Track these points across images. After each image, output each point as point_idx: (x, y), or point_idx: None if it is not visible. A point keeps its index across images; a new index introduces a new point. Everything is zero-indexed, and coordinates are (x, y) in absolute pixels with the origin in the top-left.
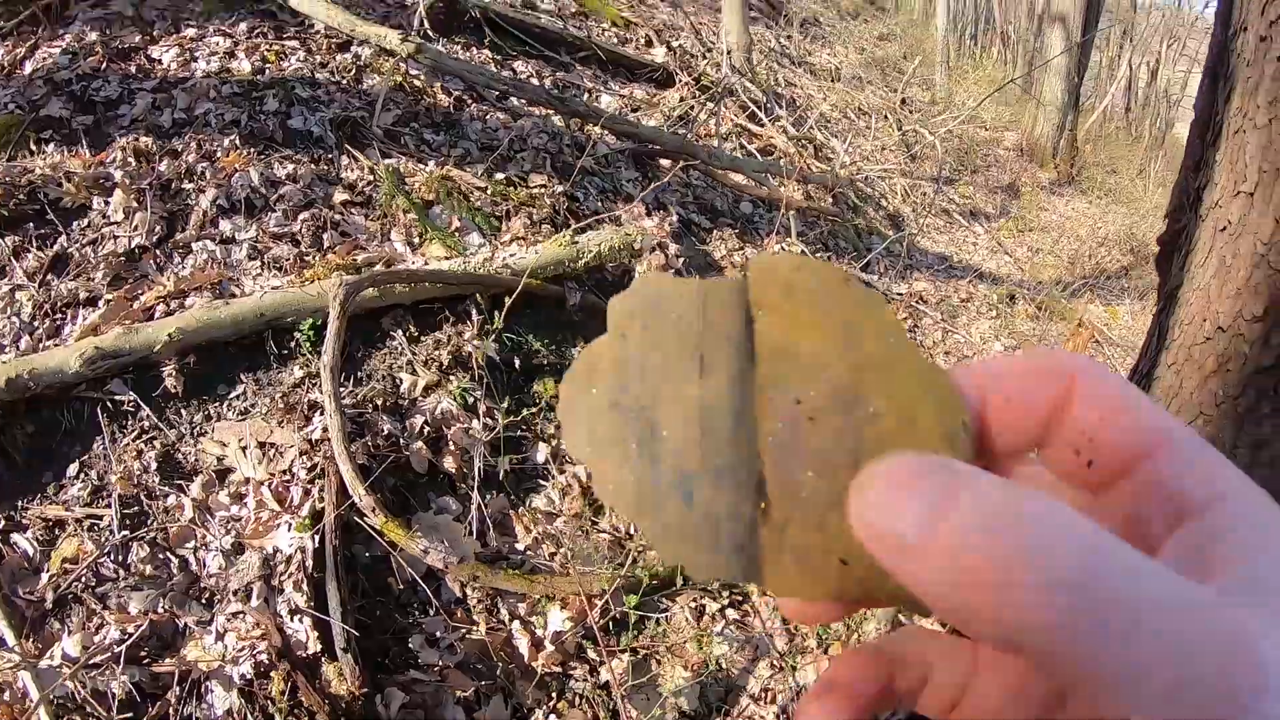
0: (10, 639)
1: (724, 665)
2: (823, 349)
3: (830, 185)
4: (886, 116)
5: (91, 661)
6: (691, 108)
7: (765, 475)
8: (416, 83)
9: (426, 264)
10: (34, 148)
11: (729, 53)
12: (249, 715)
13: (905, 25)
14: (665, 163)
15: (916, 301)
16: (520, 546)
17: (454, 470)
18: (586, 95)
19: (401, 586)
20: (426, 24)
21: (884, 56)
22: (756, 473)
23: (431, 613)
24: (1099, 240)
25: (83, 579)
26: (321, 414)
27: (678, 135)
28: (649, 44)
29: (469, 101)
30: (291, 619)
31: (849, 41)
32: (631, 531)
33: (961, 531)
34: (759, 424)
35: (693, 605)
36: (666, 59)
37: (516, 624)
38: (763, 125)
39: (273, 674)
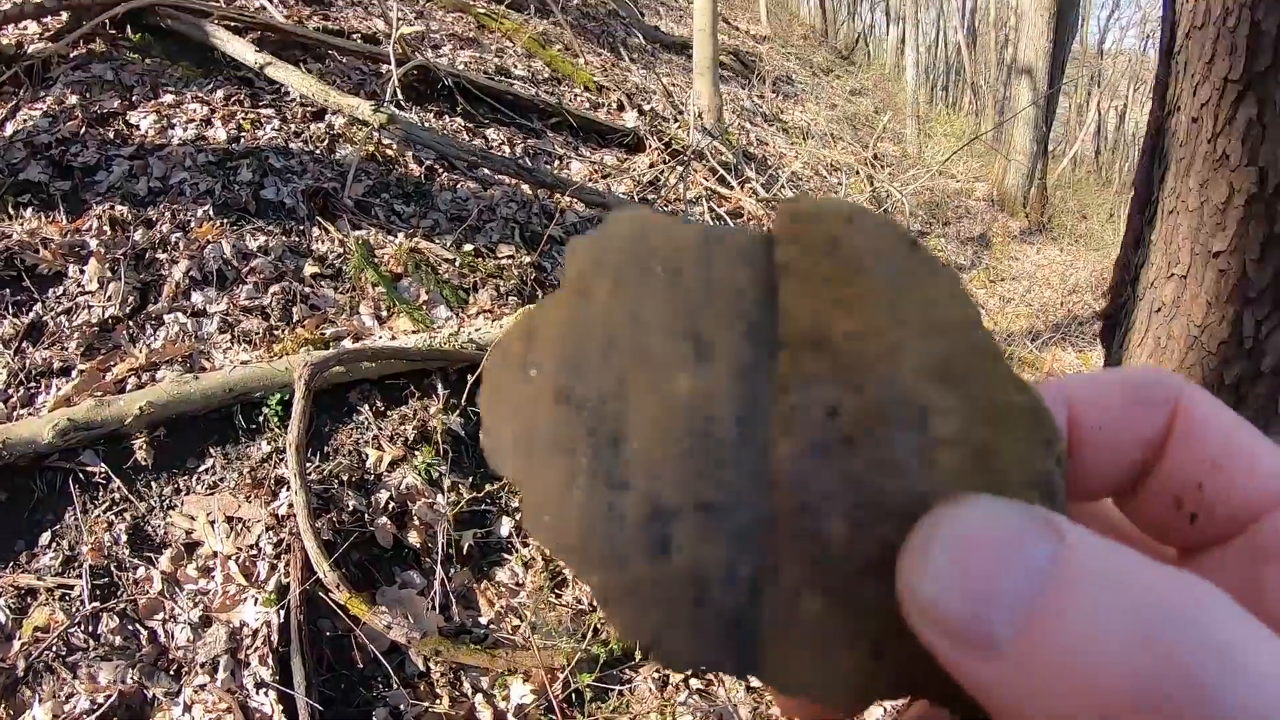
0: None
1: None
2: (874, 339)
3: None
4: (858, 172)
5: None
6: (661, 173)
7: (777, 519)
8: (389, 151)
9: (394, 338)
10: (12, 211)
11: (699, 115)
12: None
13: (877, 80)
14: None
15: None
16: (484, 620)
17: (418, 545)
18: (557, 162)
19: (365, 661)
20: (400, 94)
21: (856, 112)
22: (766, 514)
23: (395, 687)
24: (1070, 288)
25: (54, 648)
26: (288, 489)
27: (646, 202)
28: (620, 108)
29: (440, 170)
30: (257, 692)
31: (821, 98)
32: (595, 605)
33: (1086, 630)
34: (774, 441)
35: (656, 676)
36: (638, 123)
37: (479, 697)
38: (732, 188)
39: None
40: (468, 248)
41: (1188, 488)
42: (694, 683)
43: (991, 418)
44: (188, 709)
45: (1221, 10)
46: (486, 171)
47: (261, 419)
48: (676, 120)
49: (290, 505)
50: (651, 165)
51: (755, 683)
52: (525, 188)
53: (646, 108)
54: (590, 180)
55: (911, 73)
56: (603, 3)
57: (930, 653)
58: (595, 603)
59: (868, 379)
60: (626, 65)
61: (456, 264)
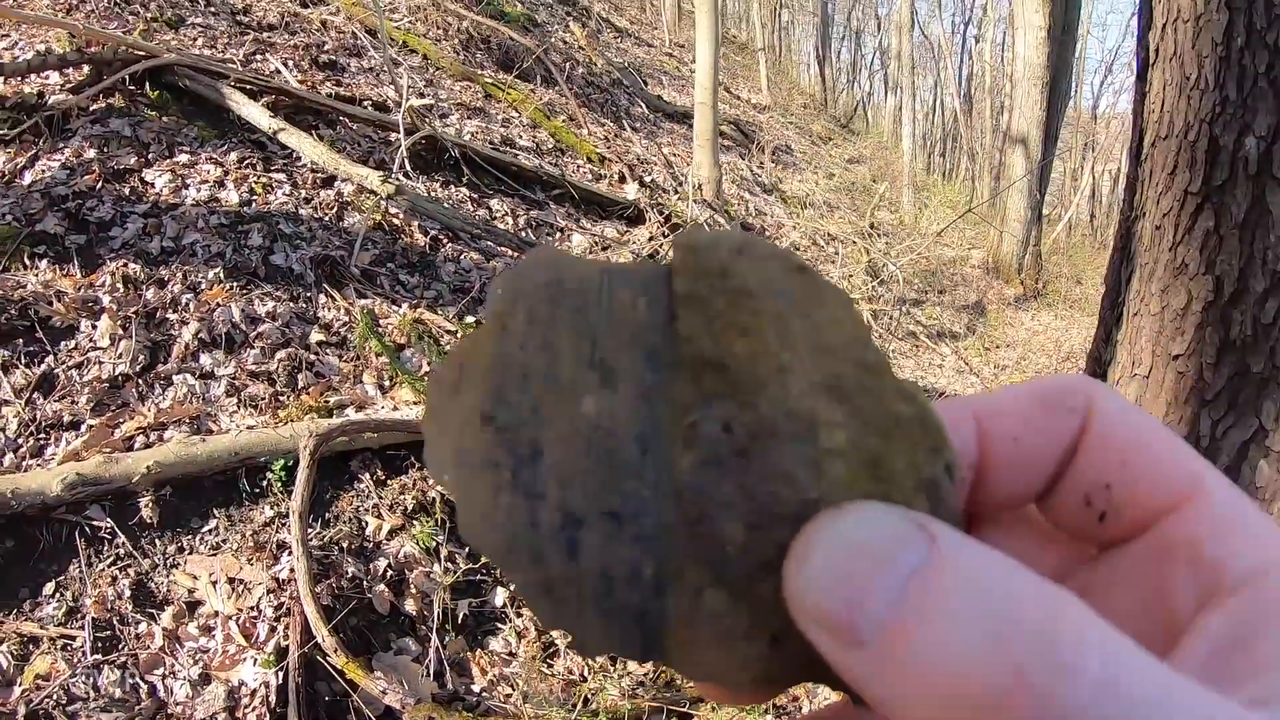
0: None
1: None
2: (766, 360)
3: None
4: (855, 242)
5: None
6: (660, 246)
7: (679, 525)
8: (395, 220)
9: (396, 408)
10: (27, 262)
11: (699, 187)
12: None
13: (874, 148)
14: None
15: None
16: (476, 688)
17: (415, 612)
18: (559, 234)
19: None
20: (407, 164)
21: (853, 180)
22: (667, 521)
23: None
24: (1064, 355)
25: (54, 696)
26: (289, 554)
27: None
28: (622, 180)
29: (444, 241)
30: None
31: (819, 167)
32: (586, 675)
33: (943, 635)
34: (675, 456)
35: None
36: (638, 195)
37: None
38: None
39: None
40: (469, 320)
41: (1096, 487)
42: None
43: (880, 429)
44: None
45: (1183, 124)
46: (489, 242)
47: (265, 483)
48: (677, 192)
49: (291, 570)
50: (650, 238)
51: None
52: None
53: (648, 179)
54: (590, 253)
55: (908, 142)
56: (608, 71)
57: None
58: (520, 598)
59: (760, 396)
60: (629, 135)
61: (458, 335)
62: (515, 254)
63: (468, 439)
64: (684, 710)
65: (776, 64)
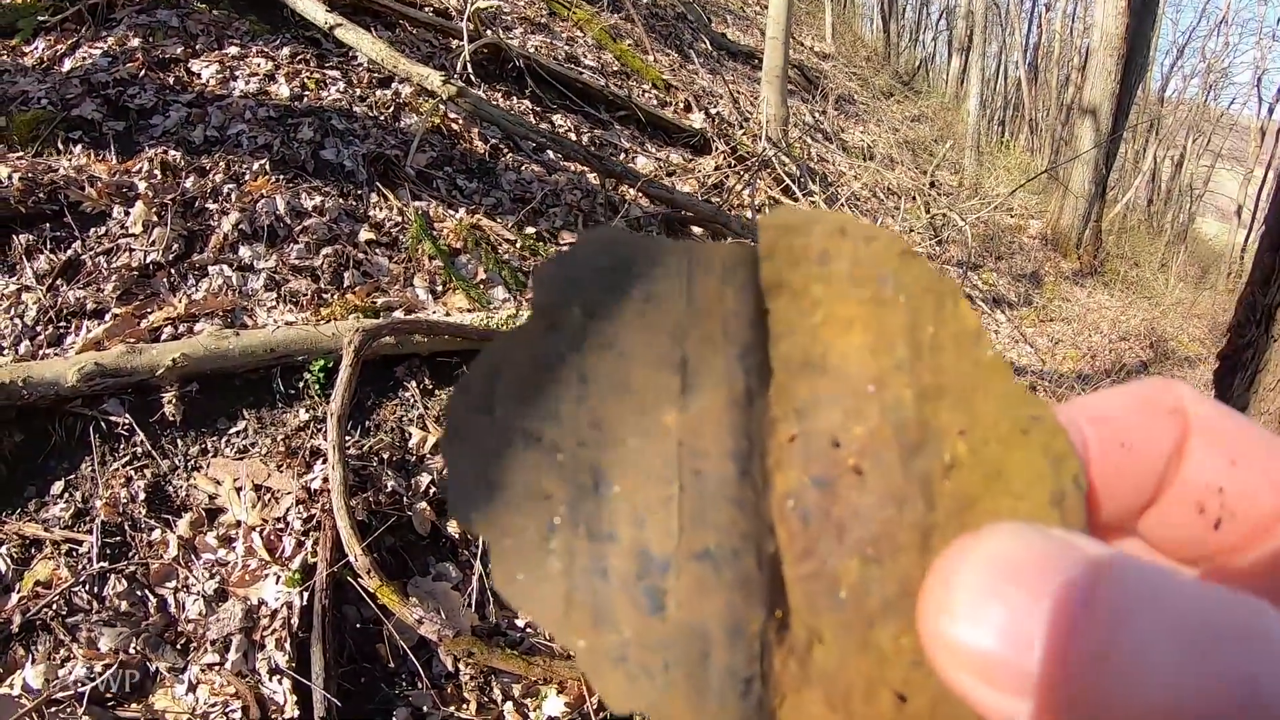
0: None
1: None
2: (874, 356)
3: None
4: (915, 198)
5: (53, 697)
6: (726, 176)
7: (782, 562)
8: (454, 125)
9: (448, 315)
10: (61, 147)
11: (766, 124)
12: None
13: (936, 108)
14: (697, 231)
15: None
16: (520, 623)
17: (457, 535)
18: (623, 155)
19: (391, 655)
20: (470, 69)
21: (915, 138)
22: (769, 558)
23: (420, 686)
24: (1120, 335)
25: (54, 606)
26: (324, 462)
27: (711, 204)
28: (688, 109)
29: (505, 150)
30: (270, 679)
31: (882, 120)
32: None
33: (1134, 659)
34: (772, 477)
35: None
36: (704, 125)
37: (509, 705)
38: (796, 200)
39: None
40: (529, 230)
41: (1209, 492)
42: None
43: (1002, 436)
44: (192, 688)
45: None
46: (552, 156)
47: (302, 385)
48: (742, 127)
49: (325, 479)
50: (717, 168)
51: None
52: (591, 177)
53: (713, 111)
54: (655, 176)
55: (974, 102)
56: (672, 6)
57: (965, 699)
58: (581, 669)
59: (869, 402)
60: (694, 68)
61: (517, 245)
62: (579, 168)
63: (506, 465)
64: None
65: (841, 13)
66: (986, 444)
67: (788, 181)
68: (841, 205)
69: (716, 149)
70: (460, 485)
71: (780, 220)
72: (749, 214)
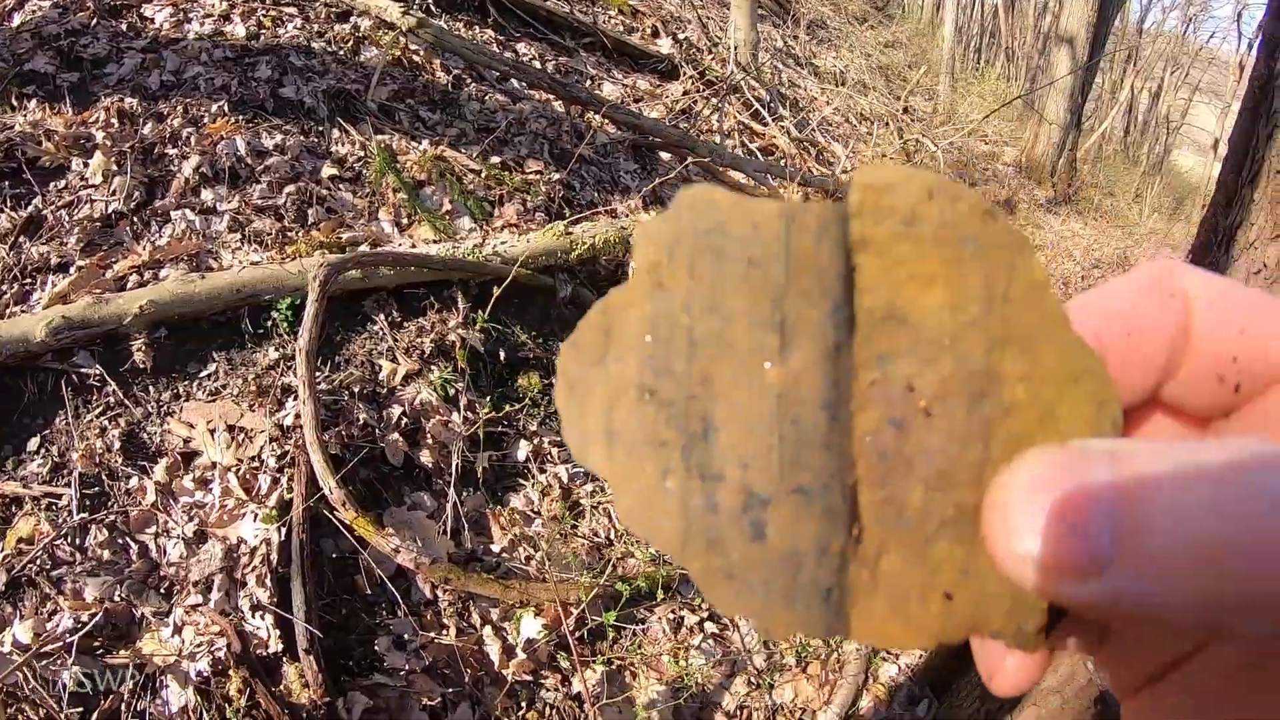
0: None
1: (700, 680)
2: (951, 313)
3: (831, 190)
4: (888, 124)
5: (43, 650)
6: (695, 102)
7: (859, 490)
8: (415, 57)
9: (414, 247)
10: (15, 103)
11: (735, 49)
12: (205, 714)
13: (911, 34)
14: (665, 156)
15: None
16: (495, 548)
17: (431, 464)
18: (589, 82)
19: (370, 586)
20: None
21: (889, 64)
22: (850, 488)
23: (400, 614)
24: (1093, 262)
25: (38, 561)
26: (295, 399)
27: (679, 129)
28: (655, 34)
29: (468, 81)
30: (253, 615)
31: (855, 46)
32: (612, 539)
33: (1185, 514)
34: (855, 417)
35: (670, 617)
36: (672, 50)
37: (488, 629)
38: (765, 125)
39: (230, 673)
40: (494, 160)
41: (1224, 363)
42: (708, 626)
43: (1056, 381)
44: (178, 630)
45: None
46: (516, 85)
47: (270, 324)
48: (711, 52)
49: (297, 415)
50: (685, 94)
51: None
52: (556, 106)
53: (681, 36)
54: (622, 103)
55: (949, 28)
56: None
57: (1003, 591)
58: (696, 585)
59: (944, 353)
60: None
61: (482, 175)
62: (544, 97)
63: (623, 415)
64: None
65: None
66: (1044, 389)
67: (757, 106)
68: (813, 130)
69: (685, 74)
70: (580, 434)
71: (870, 178)
72: (717, 139)
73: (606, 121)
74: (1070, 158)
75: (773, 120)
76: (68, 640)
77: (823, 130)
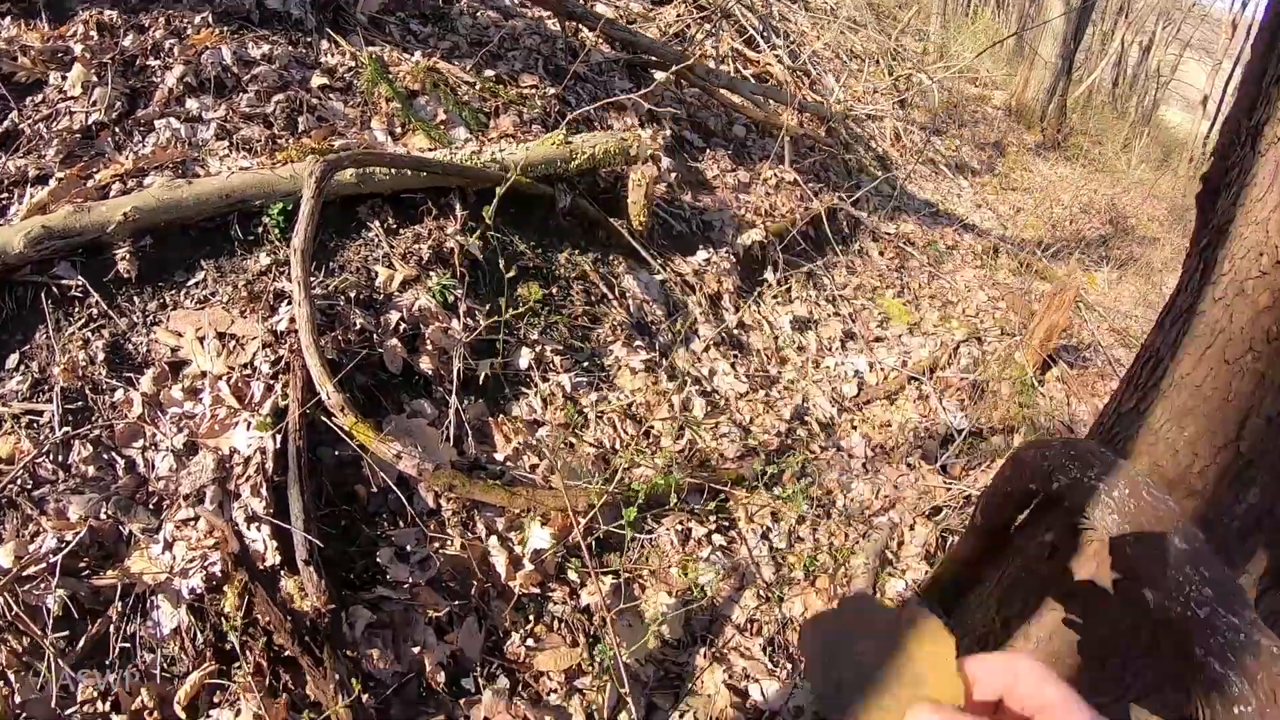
0: None
1: (709, 593)
2: (913, 691)
3: (825, 116)
4: (879, 61)
5: (25, 573)
6: (688, 25)
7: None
8: None
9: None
10: None
11: None
12: (199, 634)
13: None
14: (660, 77)
15: (904, 243)
16: (499, 456)
17: (430, 371)
18: (583, 2)
19: (371, 494)
20: None
21: (880, 3)
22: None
23: (402, 524)
24: (1081, 206)
25: (19, 481)
26: (288, 303)
27: (675, 49)
28: None
29: None
30: (249, 527)
31: None
32: (618, 446)
33: None
34: None
35: (679, 528)
36: None
37: (494, 540)
38: (760, 51)
39: (226, 588)
40: (488, 73)
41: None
42: (716, 538)
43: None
44: (168, 546)
45: None
46: (509, 1)
47: (261, 230)
48: None
49: (291, 319)
50: (678, 17)
51: (778, 543)
52: (550, 24)
53: None
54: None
55: None
56: None
57: None
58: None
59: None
60: None
61: (477, 87)
62: (536, 14)
63: (844, 693)
64: (721, 488)
65: None
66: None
67: (751, 32)
68: (805, 62)
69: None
70: (829, 697)
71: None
72: (711, 64)
73: (601, 40)
74: (1060, 104)
75: (767, 47)
76: (51, 561)
77: (813, 63)
